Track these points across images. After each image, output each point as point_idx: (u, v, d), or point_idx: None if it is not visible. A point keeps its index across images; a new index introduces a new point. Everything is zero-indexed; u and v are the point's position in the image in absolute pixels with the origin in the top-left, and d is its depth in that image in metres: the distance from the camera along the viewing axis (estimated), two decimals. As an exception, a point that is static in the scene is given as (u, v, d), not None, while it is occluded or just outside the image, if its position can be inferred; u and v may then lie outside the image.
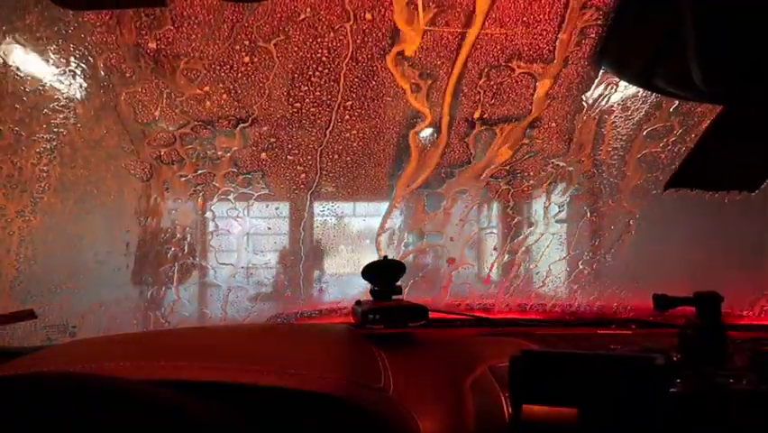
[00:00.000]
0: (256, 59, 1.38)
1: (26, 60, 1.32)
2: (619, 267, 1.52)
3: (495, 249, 1.64)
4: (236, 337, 0.99)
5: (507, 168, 1.57)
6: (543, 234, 1.60)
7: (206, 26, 1.33)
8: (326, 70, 1.40)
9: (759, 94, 0.56)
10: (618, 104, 1.49)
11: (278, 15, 1.33)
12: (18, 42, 1.30)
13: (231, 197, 1.55)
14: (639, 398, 0.63)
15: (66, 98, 1.36)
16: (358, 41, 1.37)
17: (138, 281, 1.51)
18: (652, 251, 1.54)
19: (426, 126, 1.53)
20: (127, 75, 1.39)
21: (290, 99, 1.44)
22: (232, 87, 1.42)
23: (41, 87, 1.34)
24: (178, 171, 1.50)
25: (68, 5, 1.22)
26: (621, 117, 1.49)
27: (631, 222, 1.52)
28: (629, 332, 1.22)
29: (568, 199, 1.60)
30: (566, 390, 0.65)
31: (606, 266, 1.54)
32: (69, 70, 1.35)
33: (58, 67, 1.34)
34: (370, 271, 1.19)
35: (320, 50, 1.38)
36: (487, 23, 1.36)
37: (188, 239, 1.55)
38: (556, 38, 1.39)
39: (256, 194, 1.55)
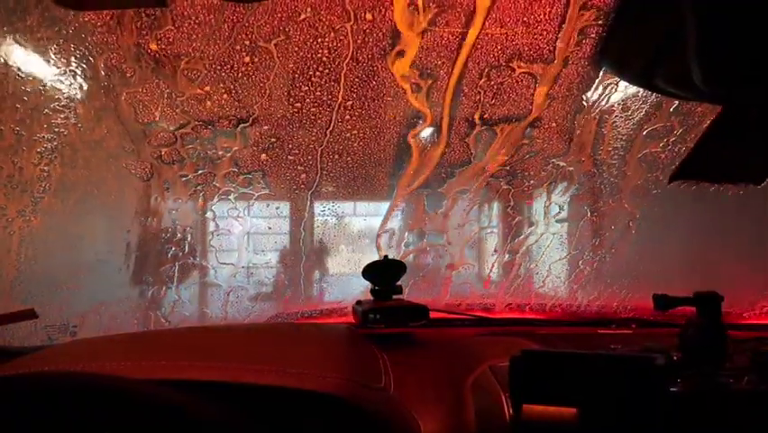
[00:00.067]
0: (257, 59, 1.38)
1: (27, 61, 1.32)
2: (620, 267, 1.52)
3: (495, 250, 1.64)
4: (237, 337, 0.99)
5: (508, 168, 1.57)
6: (543, 234, 1.60)
7: (207, 26, 1.33)
8: (327, 70, 1.41)
9: (759, 95, 0.56)
10: (619, 104, 1.49)
11: (279, 15, 1.33)
12: (19, 43, 1.30)
13: (231, 196, 1.55)
14: (640, 397, 0.63)
15: (66, 98, 1.36)
16: (358, 42, 1.37)
17: (138, 281, 1.51)
18: (652, 250, 1.54)
19: (427, 126, 1.53)
20: (128, 75, 1.39)
21: (291, 99, 1.44)
22: (232, 86, 1.42)
23: (41, 88, 1.34)
24: (179, 171, 1.50)
25: (68, 6, 1.22)
26: (621, 117, 1.49)
27: (631, 223, 1.52)
28: (629, 332, 1.22)
29: (568, 199, 1.60)
30: (567, 389, 0.65)
31: (606, 266, 1.54)
32: (70, 71, 1.35)
33: (58, 67, 1.34)
34: (370, 271, 1.19)
35: (321, 51, 1.38)
36: (487, 23, 1.36)
37: (189, 239, 1.55)
38: (556, 38, 1.39)
39: (256, 194, 1.55)
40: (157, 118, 1.45)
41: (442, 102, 1.48)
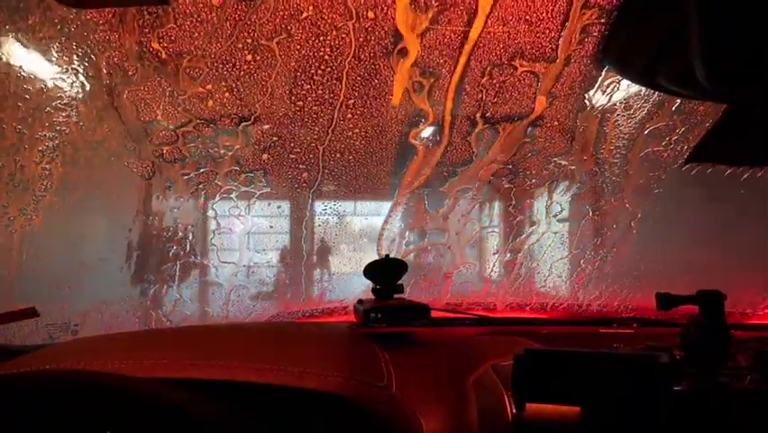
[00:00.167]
0: (258, 58, 1.38)
1: (29, 60, 1.32)
2: (621, 266, 1.52)
3: (497, 249, 1.64)
4: (238, 336, 0.99)
5: (510, 166, 1.57)
6: (545, 233, 1.60)
7: (209, 24, 1.33)
8: (329, 69, 1.40)
9: (763, 93, 0.56)
10: (621, 102, 1.48)
11: (281, 14, 1.33)
12: (21, 42, 1.30)
13: (233, 195, 1.55)
14: (642, 396, 0.63)
15: (68, 97, 1.36)
16: (360, 40, 1.37)
17: (140, 280, 1.51)
18: (654, 250, 1.54)
19: (429, 125, 1.52)
20: (130, 73, 1.39)
21: (292, 98, 1.44)
22: (234, 85, 1.42)
23: (43, 86, 1.34)
24: (181, 170, 1.50)
25: (70, 4, 1.22)
26: (623, 116, 1.49)
27: (633, 222, 1.52)
28: (631, 331, 1.22)
29: (570, 198, 1.59)
30: (569, 388, 0.65)
31: (608, 265, 1.53)
32: (72, 69, 1.35)
33: (60, 66, 1.34)
34: (371, 270, 1.19)
35: (322, 49, 1.38)
36: (489, 22, 1.36)
37: (190, 237, 1.55)
38: (559, 36, 1.38)
39: (258, 192, 1.55)
40: (159, 116, 1.45)
41: (444, 100, 1.48)
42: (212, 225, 1.57)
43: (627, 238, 1.53)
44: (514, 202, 1.60)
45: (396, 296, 1.18)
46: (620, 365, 0.65)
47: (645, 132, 1.48)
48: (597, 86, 1.46)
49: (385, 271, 1.19)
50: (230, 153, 1.51)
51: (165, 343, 0.92)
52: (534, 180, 1.59)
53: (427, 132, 1.54)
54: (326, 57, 1.39)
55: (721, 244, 1.48)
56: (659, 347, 0.80)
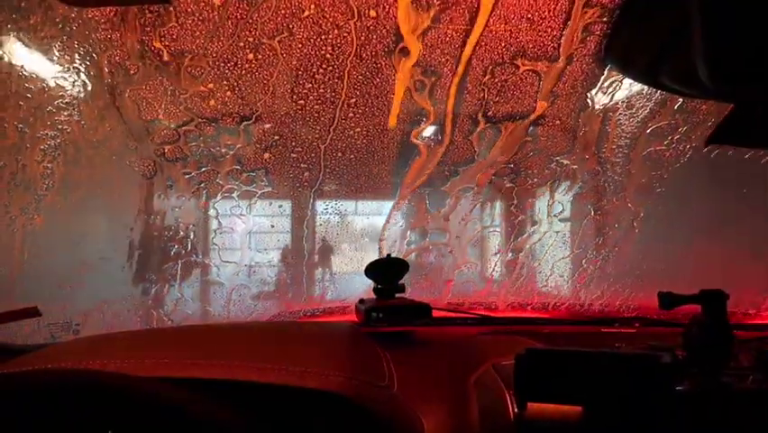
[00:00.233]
0: (260, 57, 1.38)
1: (30, 59, 1.32)
2: (623, 265, 1.52)
3: (499, 248, 1.63)
4: (239, 335, 0.99)
5: (512, 166, 1.57)
6: (546, 233, 1.59)
7: (210, 23, 1.33)
8: (330, 68, 1.40)
9: (766, 92, 0.55)
10: (623, 101, 1.48)
11: (283, 12, 1.33)
12: (22, 41, 1.30)
13: (234, 194, 1.55)
14: (644, 396, 0.63)
15: (70, 96, 1.36)
16: (362, 39, 1.37)
17: (141, 279, 1.51)
18: (656, 249, 1.54)
19: (430, 124, 1.52)
20: (131, 72, 1.39)
21: (294, 97, 1.44)
22: (236, 84, 1.42)
23: (45, 86, 1.34)
24: (182, 169, 1.50)
25: (72, 3, 1.22)
26: (626, 115, 1.49)
27: (635, 221, 1.51)
28: (633, 330, 1.22)
29: (572, 197, 1.59)
30: (571, 388, 0.65)
31: (610, 264, 1.53)
32: (74, 68, 1.35)
33: (62, 65, 1.34)
34: (373, 270, 1.19)
35: (324, 48, 1.38)
36: (491, 20, 1.36)
37: (192, 237, 1.55)
38: (561, 35, 1.38)
39: (259, 192, 1.55)
40: (160, 115, 1.45)
41: (445, 99, 1.48)
42: (213, 224, 1.57)
43: (629, 237, 1.52)
44: (516, 201, 1.60)
45: (397, 295, 1.18)
46: (622, 365, 0.64)
47: (648, 131, 1.48)
48: (599, 85, 1.46)
49: (386, 271, 1.19)
50: (231, 152, 1.51)
51: (166, 342, 0.92)
52: (535, 180, 1.59)
53: (429, 131, 1.54)
54: (328, 56, 1.39)
55: (723, 244, 1.48)
56: (661, 347, 0.80)
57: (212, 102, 1.45)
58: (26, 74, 1.32)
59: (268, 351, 0.83)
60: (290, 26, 1.34)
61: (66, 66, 1.34)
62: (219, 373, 0.71)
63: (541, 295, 1.55)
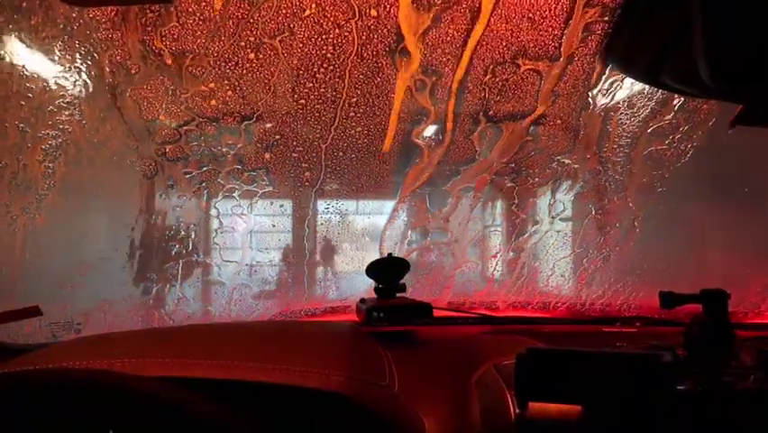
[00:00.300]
0: (261, 56, 1.38)
1: (31, 59, 1.32)
2: (624, 265, 1.52)
3: (500, 248, 1.63)
4: (240, 335, 0.99)
5: (513, 165, 1.57)
6: (547, 232, 1.59)
7: (211, 23, 1.33)
8: (331, 67, 1.40)
9: (766, 91, 0.55)
10: (624, 101, 1.48)
11: (284, 12, 1.33)
12: (23, 41, 1.30)
13: (235, 194, 1.54)
14: (645, 396, 0.63)
15: (71, 96, 1.37)
16: (363, 38, 1.37)
17: (142, 279, 1.51)
18: (657, 248, 1.54)
19: (431, 123, 1.52)
20: (132, 72, 1.39)
21: (295, 96, 1.44)
22: (237, 83, 1.42)
23: (46, 85, 1.34)
24: (183, 168, 1.50)
25: (73, 2, 1.22)
26: (627, 114, 1.49)
27: (636, 221, 1.51)
28: (634, 330, 1.22)
29: (573, 197, 1.59)
30: (572, 387, 0.65)
31: (611, 264, 1.53)
32: (75, 68, 1.35)
33: (63, 65, 1.34)
34: (374, 269, 1.19)
35: (325, 47, 1.38)
36: (492, 20, 1.35)
37: (193, 236, 1.55)
38: (562, 34, 1.38)
39: (260, 191, 1.55)
40: (161, 115, 1.45)
41: (446, 99, 1.48)
42: (214, 223, 1.57)
43: (630, 237, 1.52)
44: (516, 201, 1.60)
45: (398, 295, 1.18)
46: (623, 364, 0.64)
47: (649, 130, 1.48)
48: (600, 84, 1.46)
49: (387, 270, 1.19)
50: (232, 152, 1.51)
51: (167, 342, 0.92)
52: (536, 179, 1.59)
53: (430, 130, 1.54)
54: (329, 55, 1.39)
55: (725, 243, 1.48)
56: (662, 346, 0.80)
57: (213, 101, 1.45)
58: (27, 74, 1.32)
59: (269, 350, 0.83)
60: (291, 26, 1.34)
61: (67, 66, 1.34)
62: (219, 372, 0.71)
63: (542, 294, 1.55)
